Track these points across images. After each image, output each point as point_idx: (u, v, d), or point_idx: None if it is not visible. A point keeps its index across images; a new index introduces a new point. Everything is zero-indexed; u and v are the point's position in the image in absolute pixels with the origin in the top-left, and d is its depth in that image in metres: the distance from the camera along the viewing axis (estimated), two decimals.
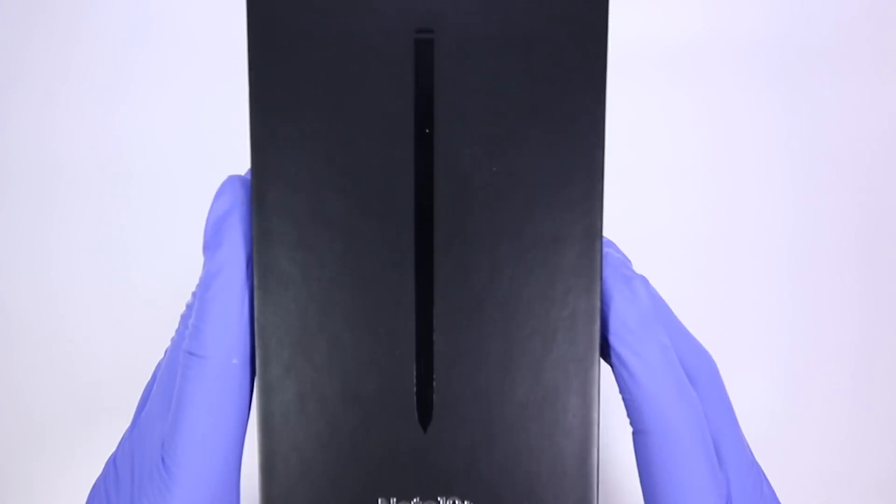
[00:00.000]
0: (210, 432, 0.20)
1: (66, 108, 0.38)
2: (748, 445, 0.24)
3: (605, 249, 0.23)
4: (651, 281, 0.32)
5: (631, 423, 0.22)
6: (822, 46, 0.39)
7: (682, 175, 0.38)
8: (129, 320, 0.37)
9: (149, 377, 0.26)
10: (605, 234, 0.34)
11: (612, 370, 0.22)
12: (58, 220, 0.37)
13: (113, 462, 0.23)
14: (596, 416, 0.22)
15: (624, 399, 0.22)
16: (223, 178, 0.22)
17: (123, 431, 0.23)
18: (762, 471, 0.24)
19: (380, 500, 0.22)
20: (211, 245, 0.21)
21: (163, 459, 0.21)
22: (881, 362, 0.38)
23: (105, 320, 0.37)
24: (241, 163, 0.29)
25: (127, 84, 0.38)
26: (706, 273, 0.38)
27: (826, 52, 0.39)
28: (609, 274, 0.22)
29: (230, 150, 0.35)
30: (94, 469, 0.24)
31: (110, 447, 0.24)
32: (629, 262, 0.24)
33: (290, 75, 0.21)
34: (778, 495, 0.37)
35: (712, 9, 0.39)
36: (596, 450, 0.22)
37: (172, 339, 0.23)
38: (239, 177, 0.22)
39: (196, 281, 0.22)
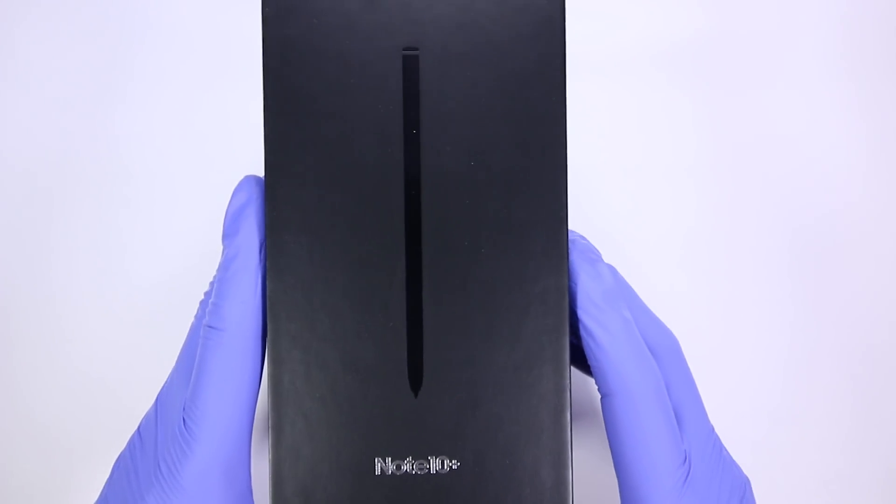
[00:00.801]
0: (226, 395, 0.23)
1: (64, 109, 0.38)
2: (708, 416, 0.26)
3: (575, 238, 0.26)
4: (653, 280, 0.33)
5: (598, 388, 0.24)
6: (822, 46, 0.39)
7: (685, 174, 0.38)
8: (129, 320, 0.36)
9: (148, 376, 0.28)
10: (606, 233, 0.36)
11: (581, 342, 0.25)
12: (56, 220, 0.37)
13: (138, 432, 0.25)
14: (568, 381, 0.24)
15: (591, 367, 0.24)
16: (221, 177, 0.25)
17: (123, 431, 0.25)
18: (720, 441, 0.26)
19: (376, 460, 0.24)
20: (229, 233, 0.25)
21: (184, 420, 0.23)
22: (882, 362, 0.38)
23: (104, 320, 0.36)
24: (239, 162, 0.32)
25: (125, 84, 0.38)
26: (708, 272, 0.38)
27: (826, 51, 0.39)
28: (577, 256, 0.25)
29: (228, 150, 0.36)
30: (94, 469, 0.25)
31: (111, 447, 0.25)
32: (598, 252, 0.26)
33: (298, 87, 0.24)
34: (779, 495, 0.38)
35: (713, 8, 0.39)
36: (569, 412, 0.24)
37: (191, 324, 0.26)
38: (255, 176, 0.25)
39: (195, 277, 0.25)
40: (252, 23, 0.31)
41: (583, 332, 0.24)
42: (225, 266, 0.24)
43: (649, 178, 0.38)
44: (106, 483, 0.25)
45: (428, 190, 0.24)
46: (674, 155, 0.38)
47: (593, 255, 0.25)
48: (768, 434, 0.38)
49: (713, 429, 0.26)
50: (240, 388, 0.23)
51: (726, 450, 0.26)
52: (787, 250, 0.38)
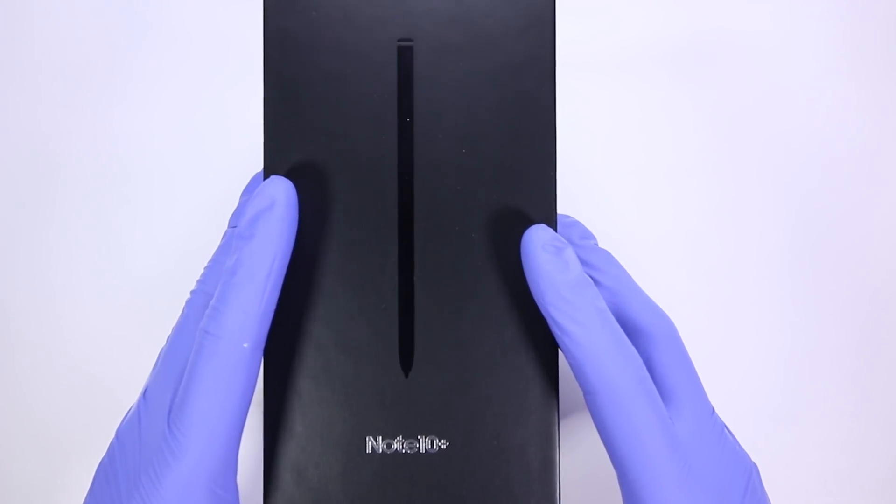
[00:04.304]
0: (216, 406, 0.22)
1: (64, 108, 0.38)
2: (706, 396, 0.25)
3: (567, 221, 0.26)
4: (653, 279, 0.33)
5: (580, 386, 0.23)
6: (823, 46, 0.39)
7: (686, 174, 0.38)
8: (128, 319, 0.36)
9: (148, 376, 0.27)
10: (607, 232, 0.37)
11: (556, 339, 0.24)
12: (56, 220, 0.37)
13: (116, 437, 0.24)
14: (556, 363, 0.25)
15: (570, 364, 0.24)
16: (221, 176, 0.25)
17: None
18: (723, 423, 0.25)
19: (367, 438, 0.25)
20: (244, 235, 0.23)
21: (169, 428, 0.22)
22: (882, 362, 0.38)
23: (104, 320, 0.36)
24: (239, 162, 0.32)
25: (125, 84, 0.38)
26: (709, 272, 0.38)
27: (826, 51, 0.39)
28: (539, 249, 0.23)
29: (227, 149, 0.36)
30: (93, 469, 0.24)
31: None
32: (591, 234, 0.26)
33: (297, 77, 0.25)
34: (779, 495, 0.38)
35: (714, 7, 0.39)
36: (556, 393, 0.25)
37: (178, 323, 0.25)
38: (282, 178, 0.24)
39: (195, 276, 0.25)
40: (250, 22, 0.32)
41: (555, 330, 0.23)
42: (232, 270, 0.23)
43: (650, 178, 0.39)
44: (88, 492, 0.24)
45: (421, 177, 0.25)
46: (675, 154, 0.39)
47: (559, 244, 0.24)
48: (769, 434, 0.38)
49: (714, 410, 0.25)
50: (231, 399, 0.22)
51: (731, 433, 0.25)
52: (787, 250, 0.38)
